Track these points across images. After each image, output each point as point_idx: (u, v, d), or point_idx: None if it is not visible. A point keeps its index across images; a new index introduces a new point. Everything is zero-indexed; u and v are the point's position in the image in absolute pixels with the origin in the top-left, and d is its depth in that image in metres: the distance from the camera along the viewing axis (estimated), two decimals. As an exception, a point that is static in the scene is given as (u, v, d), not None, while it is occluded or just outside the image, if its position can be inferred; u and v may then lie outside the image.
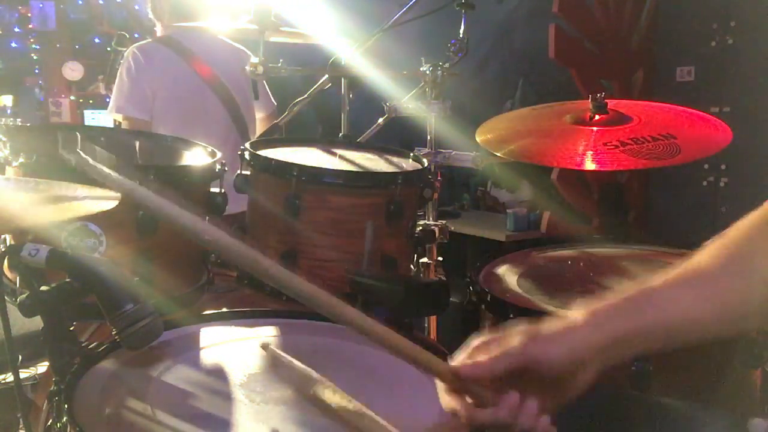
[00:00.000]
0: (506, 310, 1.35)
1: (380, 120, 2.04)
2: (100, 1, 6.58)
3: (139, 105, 2.53)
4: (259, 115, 2.84)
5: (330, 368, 1.03)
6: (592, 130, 1.68)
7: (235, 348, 1.09)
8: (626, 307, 0.84)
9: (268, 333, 1.17)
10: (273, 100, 2.88)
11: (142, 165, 1.37)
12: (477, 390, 0.81)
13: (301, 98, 2.10)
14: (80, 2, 6.56)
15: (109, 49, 2.73)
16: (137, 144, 1.71)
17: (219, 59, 2.65)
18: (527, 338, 0.80)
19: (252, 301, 1.56)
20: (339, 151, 1.86)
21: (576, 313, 0.84)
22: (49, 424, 0.86)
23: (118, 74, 2.57)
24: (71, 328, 0.95)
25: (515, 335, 0.81)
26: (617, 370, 1.26)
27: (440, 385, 0.84)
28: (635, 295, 0.85)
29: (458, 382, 0.82)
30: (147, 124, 2.52)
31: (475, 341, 0.83)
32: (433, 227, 1.72)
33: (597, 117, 1.70)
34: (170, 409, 0.89)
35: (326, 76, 1.96)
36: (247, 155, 1.58)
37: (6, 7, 6.65)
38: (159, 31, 2.81)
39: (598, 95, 1.70)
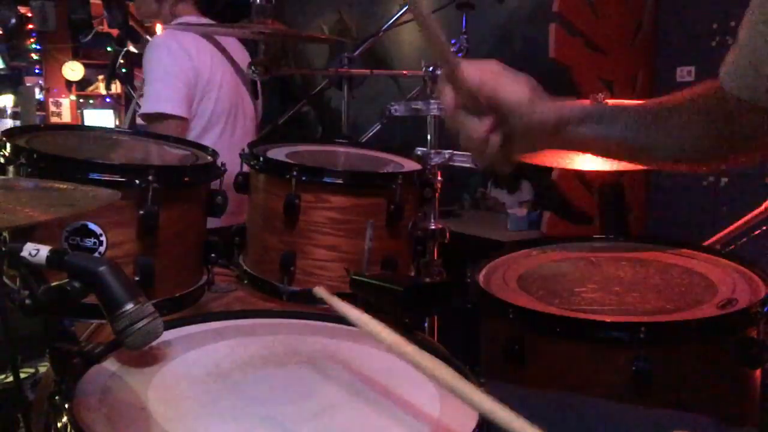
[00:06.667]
0: (506, 310, 1.35)
1: (380, 120, 2.04)
2: (100, 1, 6.59)
3: (182, 102, 2.22)
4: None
5: (329, 369, 1.03)
6: (592, 130, 1.68)
7: (236, 348, 1.09)
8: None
9: (267, 333, 1.17)
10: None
11: (143, 165, 1.36)
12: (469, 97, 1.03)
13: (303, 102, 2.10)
14: (80, 2, 6.57)
15: (109, 49, 2.70)
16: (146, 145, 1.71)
17: (239, 58, 2.45)
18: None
19: (252, 301, 1.56)
20: (339, 151, 1.86)
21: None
22: (49, 424, 0.86)
23: (155, 67, 2.24)
24: (71, 328, 0.95)
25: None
26: (617, 371, 1.26)
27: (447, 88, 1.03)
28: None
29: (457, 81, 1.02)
30: (185, 123, 2.24)
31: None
32: (433, 227, 1.72)
33: (597, 117, 1.70)
34: (170, 409, 0.89)
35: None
36: (247, 155, 1.58)
37: (6, 7, 6.66)
38: (159, 31, 2.78)
39: (598, 95, 1.70)
